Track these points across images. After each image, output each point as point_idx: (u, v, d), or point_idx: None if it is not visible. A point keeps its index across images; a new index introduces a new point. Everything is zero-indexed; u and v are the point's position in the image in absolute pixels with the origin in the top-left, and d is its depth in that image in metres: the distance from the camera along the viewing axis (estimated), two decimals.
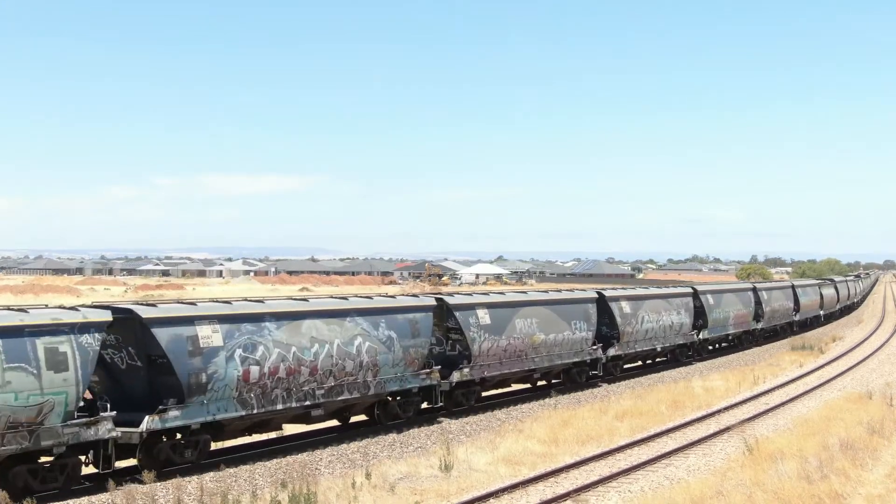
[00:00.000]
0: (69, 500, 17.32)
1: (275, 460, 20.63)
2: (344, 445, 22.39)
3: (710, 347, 46.33)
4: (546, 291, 35.25)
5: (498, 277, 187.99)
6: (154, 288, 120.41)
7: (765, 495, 16.37)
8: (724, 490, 16.84)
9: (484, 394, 29.53)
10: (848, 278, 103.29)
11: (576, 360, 32.85)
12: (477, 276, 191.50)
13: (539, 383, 32.61)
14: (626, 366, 37.80)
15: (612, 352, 34.70)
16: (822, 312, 68.81)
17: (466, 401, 27.63)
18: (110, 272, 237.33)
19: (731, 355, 45.77)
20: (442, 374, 26.31)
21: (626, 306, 35.83)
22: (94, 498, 17.38)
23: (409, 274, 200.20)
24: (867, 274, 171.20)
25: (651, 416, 26.41)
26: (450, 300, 27.60)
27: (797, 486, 16.86)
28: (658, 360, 41.44)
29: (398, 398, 25.27)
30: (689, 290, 43.50)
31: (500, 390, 31.61)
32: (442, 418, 26.45)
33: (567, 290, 35.92)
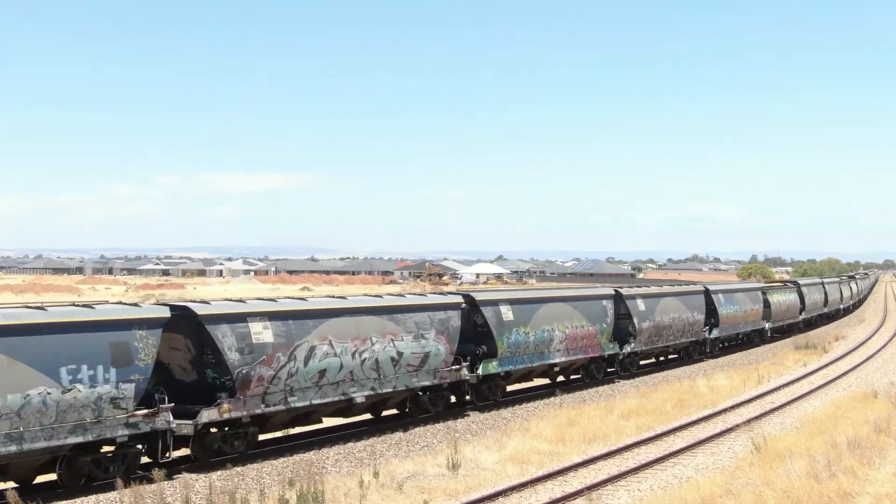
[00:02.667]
0: (79, 499, 17.30)
1: (282, 459, 20.62)
2: (350, 444, 22.37)
3: (720, 346, 46.58)
4: (565, 288, 36.64)
5: (498, 277, 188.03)
6: (155, 287, 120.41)
7: (775, 494, 16.33)
8: (734, 489, 16.80)
9: (508, 388, 30.42)
10: (840, 279, 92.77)
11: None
12: (477, 275, 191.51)
13: (558, 379, 33.34)
14: (640, 362, 38.37)
15: (628, 348, 35.68)
16: (801, 318, 60.61)
17: (493, 395, 28.60)
18: (110, 271, 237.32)
19: (735, 354, 45.77)
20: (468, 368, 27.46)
21: (641, 304, 36.51)
22: (101, 496, 17.36)
23: (410, 273, 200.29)
24: (865, 274, 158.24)
25: (657, 415, 26.39)
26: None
27: (806, 484, 16.82)
28: (671, 357, 42.14)
29: (428, 393, 25.98)
30: (702, 288, 44.93)
31: (522, 385, 32.26)
32: (470, 412, 27.24)
33: (585, 287, 38.62)
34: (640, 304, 36.61)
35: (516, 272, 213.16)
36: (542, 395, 30.82)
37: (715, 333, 43.90)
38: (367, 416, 25.71)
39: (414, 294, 29.31)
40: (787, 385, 33.49)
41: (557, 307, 31.39)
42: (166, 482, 17.88)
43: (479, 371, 27.40)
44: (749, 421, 25.04)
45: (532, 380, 32.27)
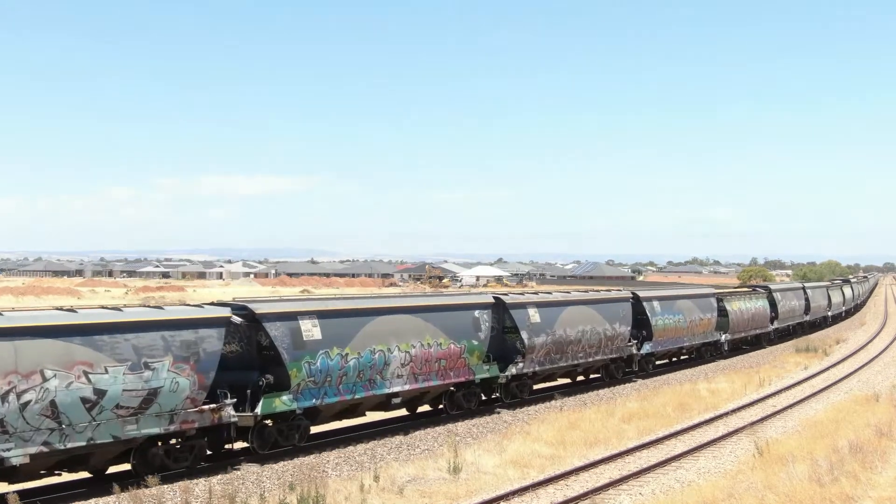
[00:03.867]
0: (76, 503, 17.22)
1: (282, 462, 20.54)
2: (351, 447, 22.29)
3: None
4: (586, 291, 36.52)
5: (498, 279, 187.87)
6: (155, 290, 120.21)
7: (777, 498, 16.26)
8: (736, 493, 16.73)
9: (535, 387, 31.07)
10: (830, 283, 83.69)
11: (614, 356, 34.92)
12: (477, 277, 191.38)
13: (578, 378, 34.18)
14: (657, 362, 39.27)
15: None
16: (771, 328, 54.52)
17: (520, 393, 29.21)
18: (110, 274, 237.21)
19: (735, 358, 45.70)
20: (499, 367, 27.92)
21: (535, 314, 31.25)
22: (100, 500, 17.28)
23: (410, 276, 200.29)
24: (864, 277, 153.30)
25: (658, 419, 26.31)
26: (506, 299, 29.41)
27: (808, 488, 16.76)
28: (683, 357, 43.14)
29: (462, 390, 26.59)
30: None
31: (546, 384, 32.84)
32: (500, 409, 28.05)
33: (605, 291, 37.61)
34: (533, 315, 30.32)
35: (516, 275, 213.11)
36: (542, 398, 30.74)
37: (647, 348, 37.61)
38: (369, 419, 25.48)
39: (447, 294, 27.93)
40: (788, 388, 33.42)
41: (580, 310, 29.18)
42: (166, 486, 17.82)
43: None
44: (751, 424, 24.96)
45: (556, 379, 31.58)
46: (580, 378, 35.14)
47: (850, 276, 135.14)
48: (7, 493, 16.47)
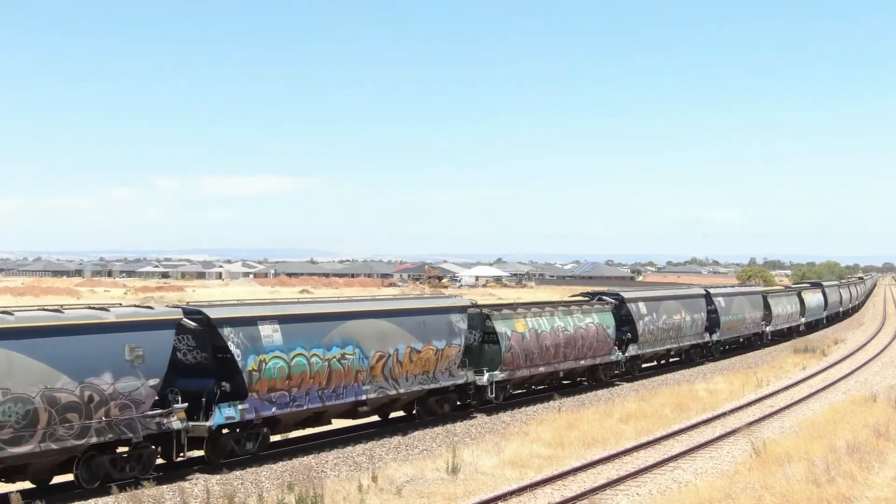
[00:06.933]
0: (76, 503, 17.26)
1: (281, 463, 20.59)
2: (349, 448, 22.34)
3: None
4: (672, 288, 46.14)
5: (497, 279, 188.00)
6: (154, 290, 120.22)
7: (773, 498, 16.32)
8: (733, 493, 16.78)
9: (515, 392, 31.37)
10: (802, 285, 74.97)
11: (694, 342, 41.79)
12: (477, 278, 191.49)
13: (661, 362, 41.41)
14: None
15: (714, 337, 43.44)
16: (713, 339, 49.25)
17: (496, 399, 28.86)
18: (109, 274, 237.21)
19: (734, 358, 45.76)
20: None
21: (722, 301, 44.87)
22: (100, 500, 17.32)
23: (409, 276, 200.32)
24: (861, 278, 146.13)
25: (656, 419, 26.36)
26: (625, 295, 36.44)
27: (805, 489, 16.81)
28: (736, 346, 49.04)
29: (435, 395, 26.46)
30: (759, 289, 53.51)
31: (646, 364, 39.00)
32: (498, 411, 28.35)
33: (686, 288, 47.27)
34: (721, 302, 45.64)
35: (516, 275, 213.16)
36: (541, 398, 30.79)
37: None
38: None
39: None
40: (786, 389, 33.48)
41: (367, 325, 23.74)
42: (165, 486, 17.86)
43: (213, 420, 19.70)
44: (748, 425, 25.01)
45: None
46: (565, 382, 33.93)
47: (846, 278, 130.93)
48: (9, 493, 16.52)
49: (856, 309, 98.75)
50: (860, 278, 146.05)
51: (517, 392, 31.23)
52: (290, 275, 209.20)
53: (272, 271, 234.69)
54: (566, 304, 34.89)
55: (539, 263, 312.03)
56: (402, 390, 24.66)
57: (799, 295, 62.55)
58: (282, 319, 21.33)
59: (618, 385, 34.77)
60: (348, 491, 17.55)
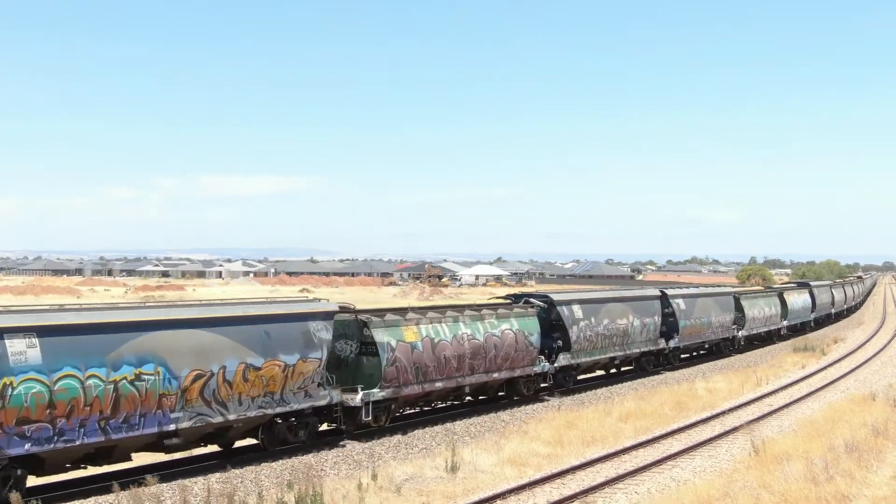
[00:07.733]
0: (75, 502, 17.31)
1: (280, 461, 20.63)
2: (349, 446, 22.40)
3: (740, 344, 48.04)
4: (618, 289, 41.32)
5: (497, 279, 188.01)
6: (154, 289, 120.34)
7: (772, 497, 16.36)
8: (731, 492, 16.83)
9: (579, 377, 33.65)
10: (785, 286, 69.99)
11: (646, 349, 37.92)
12: (477, 277, 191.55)
13: (611, 371, 37.58)
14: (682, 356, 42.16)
15: (672, 343, 39.62)
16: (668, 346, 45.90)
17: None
18: (110, 273, 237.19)
19: (734, 357, 45.78)
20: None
21: (681, 303, 40.83)
22: (100, 498, 17.37)
23: (409, 275, 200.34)
24: (859, 277, 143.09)
25: (655, 418, 26.41)
26: (555, 297, 32.24)
27: (804, 487, 16.85)
28: (702, 352, 46.14)
29: (286, 421, 22.07)
30: (730, 290, 49.34)
31: (588, 375, 35.92)
32: (498, 410, 28.52)
33: (638, 289, 42.57)
34: (681, 304, 41.55)
35: (516, 274, 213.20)
36: (540, 398, 30.83)
37: (742, 332, 48.06)
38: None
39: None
40: (785, 388, 33.52)
41: (182, 336, 19.45)
42: (164, 484, 17.91)
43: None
44: (747, 423, 25.06)
45: (128, 458, 19.57)
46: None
47: (842, 278, 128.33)
48: (9, 493, 16.55)
49: (854, 309, 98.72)
50: (859, 277, 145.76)
51: (409, 413, 26.94)
52: (290, 274, 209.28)
53: (272, 270, 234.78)
54: (476, 307, 29.38)
55: (539, 262, 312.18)
56: (231, 416, 20.05)
57: (780, 296, 57.75)
58: (42, 331, 16.83)
59: (547, 400, 30.22)
60: (348, 489, 17.60)
